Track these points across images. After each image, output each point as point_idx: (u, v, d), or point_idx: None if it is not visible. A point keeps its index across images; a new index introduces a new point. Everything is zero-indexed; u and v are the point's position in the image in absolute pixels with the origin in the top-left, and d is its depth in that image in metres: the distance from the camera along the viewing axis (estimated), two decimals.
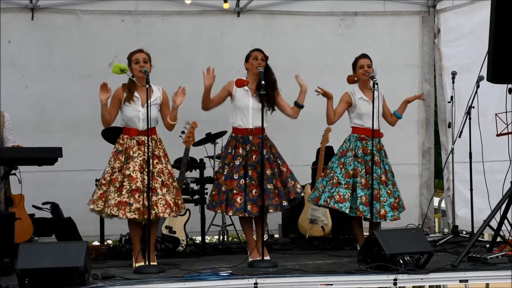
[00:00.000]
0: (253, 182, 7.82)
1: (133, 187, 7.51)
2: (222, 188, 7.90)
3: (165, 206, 7.58)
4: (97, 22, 10.17)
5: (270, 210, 7.88)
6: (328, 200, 8.29)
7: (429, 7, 10.84)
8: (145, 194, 7.46)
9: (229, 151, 7.96)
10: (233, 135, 8.00)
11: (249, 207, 7.78)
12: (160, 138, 7.80)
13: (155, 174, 7.60)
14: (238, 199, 7.81)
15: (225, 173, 7.93)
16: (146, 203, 7.42)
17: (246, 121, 7.92)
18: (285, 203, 7.91)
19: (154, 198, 7.54)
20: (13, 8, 9.89)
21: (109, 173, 7.63)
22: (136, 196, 7.49)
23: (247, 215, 7.85)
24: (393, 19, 10.84)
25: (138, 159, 7.58)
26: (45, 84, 10.04)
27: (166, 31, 10.39)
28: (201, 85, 10.26)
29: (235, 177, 7.85)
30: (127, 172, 7.55)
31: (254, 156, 7.88)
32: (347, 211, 8.24)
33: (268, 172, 7.89)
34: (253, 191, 7.80)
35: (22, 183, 8.30)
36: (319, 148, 9.34)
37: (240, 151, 7.90)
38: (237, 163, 7.87)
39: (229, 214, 7.95)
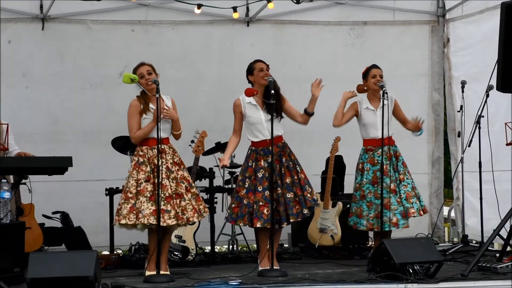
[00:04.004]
0: (278, 192, 7.81)
1: (166, 194, 7.53)
2: (244, 201, 7.85)
3: (193, 211, 7.63)
4: (107, 32, 10.20)
5: (291, 220, 7.88)
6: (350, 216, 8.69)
7: (439, 16, 10.83)
8: (176, 200, 7.54)
9: (249, 164, 7.91)
10: (253, 148, 7.96)
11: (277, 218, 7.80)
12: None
13: (178, 180, 7.63)
14: (265, 211, 7.75)
15: (246, 186, 7.87)
16: (177, 209, 7.50)
17: (263, 134, 7.91)
18: (305, 211, 7.90)
19: (182, 203, 7.59)
20: (24, 18, 9.92)
21: (134, 186, 7.59)
22: (172, 202, 7.53)
23: (277, 226, 7.85)
24: (403, 28, 10.84)
25: (162, 167, 7.57)
26: (56, 94, 10.04)
27: (176, 41, 10.40)
28: (211, 94, 10.35)
29: (259, 189, 7.80)
30: (157, 181, 7.56)
31: (277, 166, 7.85)
32: (351, 223, 8.61)
33: (288, 180, 7.88)
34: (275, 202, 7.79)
35: (32, 192, 8.31)
36: (329, 158, 9.33)
37: (262, 163, 7.85)
38: (260, 176, 7.82)
39: (257, 225, 7.80)
